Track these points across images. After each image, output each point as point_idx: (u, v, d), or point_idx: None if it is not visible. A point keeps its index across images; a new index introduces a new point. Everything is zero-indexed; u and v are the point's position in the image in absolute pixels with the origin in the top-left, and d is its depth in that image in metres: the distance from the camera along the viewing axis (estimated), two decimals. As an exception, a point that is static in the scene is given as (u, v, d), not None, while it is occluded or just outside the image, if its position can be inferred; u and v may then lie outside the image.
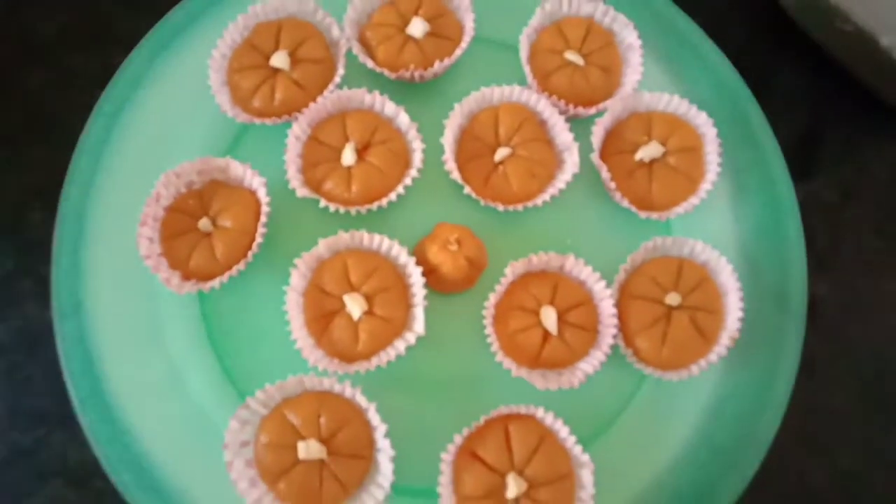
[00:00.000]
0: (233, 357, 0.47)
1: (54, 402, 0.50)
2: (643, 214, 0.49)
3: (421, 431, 0.45)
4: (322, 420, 0.42)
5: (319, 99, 0.49)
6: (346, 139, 0.49)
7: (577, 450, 0.43)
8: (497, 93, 0.51)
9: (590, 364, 0.45)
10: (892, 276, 0.58)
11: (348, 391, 0.44)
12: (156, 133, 0.51)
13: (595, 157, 0.49)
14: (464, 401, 0.46)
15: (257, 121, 0.50)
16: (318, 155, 0.49)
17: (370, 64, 0.51)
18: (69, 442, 0.49)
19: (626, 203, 0.49)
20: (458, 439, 0.43)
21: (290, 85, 0.50)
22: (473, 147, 0.50)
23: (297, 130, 0.49)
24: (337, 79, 0.50)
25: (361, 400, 0.43)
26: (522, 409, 0.44)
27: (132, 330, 0.47)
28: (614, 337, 0.46)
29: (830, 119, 0.62)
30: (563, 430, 0.43)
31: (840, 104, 0.62)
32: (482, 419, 0.43)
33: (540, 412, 0.44)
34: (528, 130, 0.50)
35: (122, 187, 0.50)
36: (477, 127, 0.51)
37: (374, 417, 0.43)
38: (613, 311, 0.46)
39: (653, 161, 0.50)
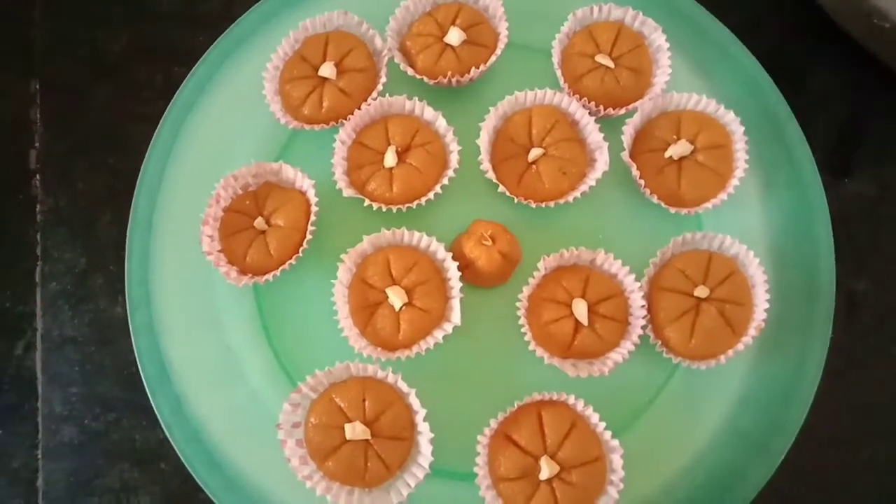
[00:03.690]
0: (285, 345, 0.51)
1: (123, 390, 0.54)
2: (672, 210, 0.51)
3: (458, 416, 0.47)
4: (367, 404, 0.45)
5: (363, 105, 0.53)
6: (388, 142, 0.52)
7: (607, 435, 0.45)
8: (530, 96, 0.53)
9: (620, 354, 0.47)
10: (931, 273, 0.58)
11: (391, 377, 0.46)
12: (216, 140, 0.56)
13: (625, 155, 0.51)
14: (498, 387, 0.48)
15: (307, 127, 0.53)
16: (363, 157, 0.53)
17: (410, 72, 0.54)
18: (136, 427, 0.53)
19: (655, 199, 0.51)
20: (493, 423, 0.45)
21: (337, 93, 0.53)
22: (507, 148, 0.53)
23: (343, 135, 0.53)
24: (380, 86, 0.54)
25: (403, 385, 0.46)
26: (555, 396, 0.46)
27: (195, 320, 0.51)
28: (644, 328, 0.48)
29: (869, 116, 0.62)
30: (593, 417, 0.45)
31: (879, 101, 0.61)
32: (516, 405, 0.46)
33: (571, 399, 0.46)
34: (559, 131, 0.52)
35: (186, 190, 0.54)
36: (511, 128, 0.53)
37: (414, 402, 0.46)
38: (643, 303, 0.48)
39: (682, 158, 0.52)
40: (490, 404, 0.46)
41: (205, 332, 0.51)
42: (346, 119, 0.53)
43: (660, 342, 0.48)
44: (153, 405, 0.49)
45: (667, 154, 0.51)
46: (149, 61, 0.61)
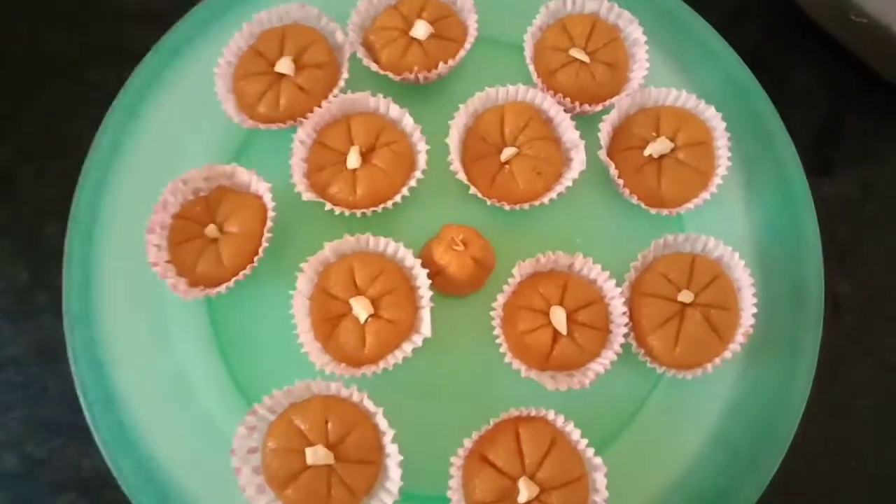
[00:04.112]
0: (240, 363, 0.47)
1: (69, 414, 0.50)
2: (653, 210, 0.48)
3: (429, 436, 0.44)
4: (329, 425, 0.42)
5: (324, 103, 0.49)
6: (351, 142, 0.49)
7: (589, 452, 0.42)
8: (502, 92, 0.51)
9: (601, 364, 0.44)
10: (916, 272, 0.56)
11: (356, 395, 0.43)
12: (164, 142, 0.52)
13: (602, 153, 0.49)
14: (473, 404, 0.45)
15: (263, 126, 0.50)
16: (324, 159, 0.49)
17: (374, 67, 0.51)
18: (83, 453, 0.49)
19: (635, 200, 0.48)
20: (467, 443, 0.42)
21: (295, 90, 0.50)
22: (479, 147, 0.50)
23: (302, 135, 0.49)
24: (341, 83, 0.50)
25: (369, 404, 0.43)
26: (533, 412, 0.43)
27: (141, 337, 0.47)
28: (626, 336, 0.45)
29: (849, 114, 0.60)
30: (574, 433, 0.42)
31: (858, 98, 0.60)
32: (492, 422, 0.42)
33: (551, 414, 0.43)
34: (533, 129, 0.50)
35: (132, 196, 0.50)
36: (482, 127, 0.50)
37: (381, 422, 0.43)
38: (624, 309, 0.45)
39: (662, 157, 0.49)
40: (464, 422, 0.43)
41: (152, 350, 0.47)
42: (305, 118, 0.49)
43: (643, 351, 0.45)
44: (93, 432, 0.45)
45: (646, 152, 0.49)
46: (100, 62, 0.58)
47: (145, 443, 0.45)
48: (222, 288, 0.46)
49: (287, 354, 0.45)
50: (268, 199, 0.48)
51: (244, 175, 0.49)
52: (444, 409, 0.46)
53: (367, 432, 0.42)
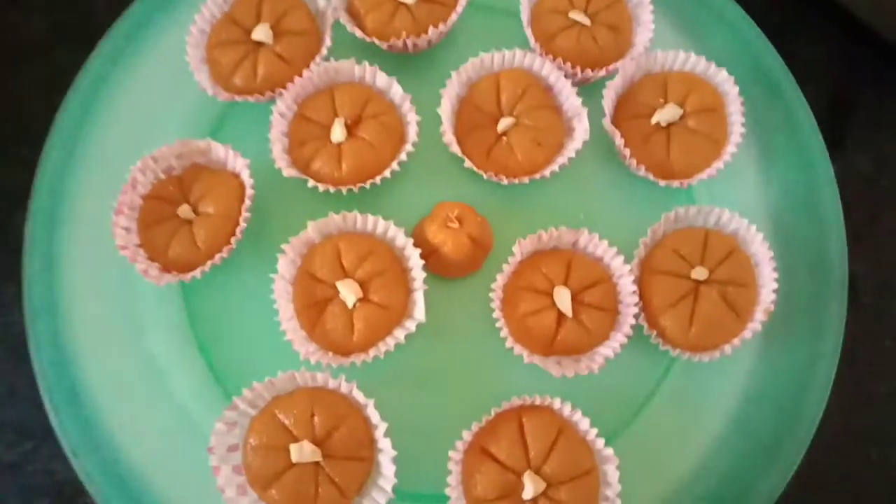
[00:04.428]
0: (218, 353, 0.44)
1: (40, 416, 0.45)
2: (662, 182, 0.45)
3: (425, 428, 0.41)
4: (316, 419, 0.39)
5: (305, 73, 0.46)
6: (335, 114, 0.46)
7: (599, 443, 0.39)
8: (497, 58, 0.47)
9: (610, 348, 0.41)
10: (936, 248, 0.53)
11: (344, 386, 0.40)
12: (133, 119, 0.48)
13: (607, 122, 0.45)
14: (472, 393, 0.42)
15: (239, 98, 0.46)
16: (306, 132, 0.46)
17: (359, 33, 0.48)
18: (56, 457, 0.46)
19: (643, 171, 0.45)
20: (467, 436, 0.39)
21: (274, 59, 0.46)
22: (474, 117, 0.46)
23: (282, 107, 0.46)
24: (324, 51, 0.47)
25: (359, 396, 0.39)
26: (537, 400, 0.39)
27: (109, 327, 0.44)
28: (636, 317, 0.42)
29: (860, 85, 0.57)
30: (583, 422, 0.39)
31: (869, 69, 0.57)
32: (493, 412, 0.39)
33: (556, 403, 0.39)
34: (532, 97, 0.46)
35: (98, 176, 0.47)
36: (477, 96, 0.47)
37: (373, 415, 0.39)
38: (634, 288, 0.42)
39: (670, 125, 0.46)
40: (462, 413, 0.40)
41: (122, 340, 0.44)
42: (284, 88, 0.46)
43: (655, 332, 0.42)
44: (56, 430, 0.41)
45: (653, 120, 0.46)
46: (69, 45, 0.54)
47: (115, 442, 0.41)
48: (197, 272, 0.42)
49: (269, 343, 0.42)
50: (246, 176, 0.44)
51: (220, 151, 0.45)
52: (440, 400, 0.42)
53: (357, 426, 0.39)
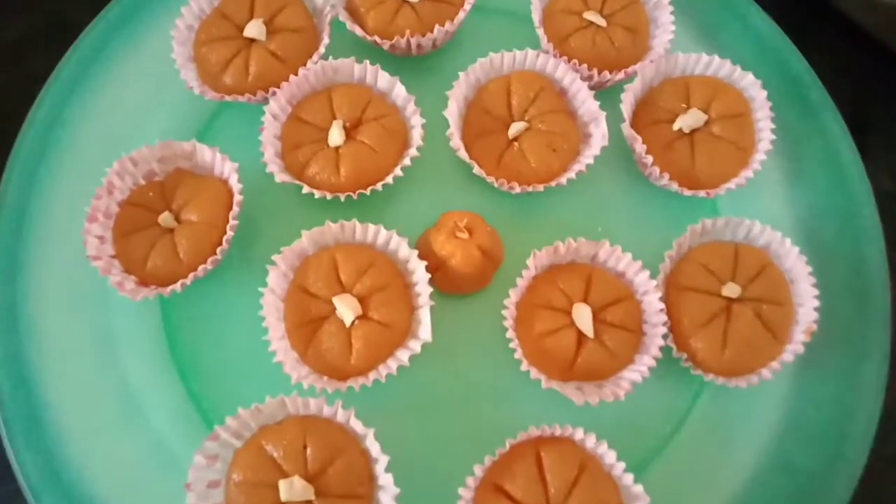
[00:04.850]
0: (199, 376, 0.39)
1: None
2: (687, 192, 0.41)
3: (432, 462, 0.37)
4: (308, 451, 0.35)
5: (301, 71, 0.42)
6: (334, 116, 0.42)
7: (627, 479, 0.35)
8: (508, 59, 0.44)
9: (637, 372, 0.37)
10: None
11: (341, 414, 0.36)
12: (112, 118, 0.45)
13: (627, 127, 0.42)
14: (483, 422, 0.38)
15: (229, 98, 0.43)
16: (301, 135, 0.42)
17: (359, 32, 0.44)
18: (13, 497, 0.40)
19: (665, 180, 0.42)
20: (479, 471, 0.35)
21: (267, 57, 0.43)
22: (482, 122, 0.43)
23: (276, 108, 0.42)
24: (321, 49, 0.44)
25: (357, 425, 0.35)
26: (557, 431, 0.35)
27: (79, 347, 0.40)
28: (664, 338, 0.38)
29: (874, 101, 0.55)
30: (608, 455, 0.35)
31: (883, 85, 0.55)
32: (508, 444, 0.35)
33: (579, 434, 0.35)
34: (545, 101, 0.43)
35: (74, 182, 0.43)
36: (486, 99, 0.43)
37: (372, 446, 0.35)
38: (661, 306, 0.38)
39: (694, 131, 0.43)
40: (474, 446, 0.36)
41: (91, 362, 0.40)
42: (278, 88, 0.42)
43: (685, 355, 0.38)
44: (14, 464, 0.37)
45: (675, 126, 0.43)
46: (48, 47, 0.50)
47: (81, 477, 0.37)
48: (178, 286, 0.38)
49: (256, 366, 0.38)
50: (234, 181, 0.40)
51: (206, 154, 0.41)
52: (448, 430, 0.38)
53: (355, 459, 0.35)
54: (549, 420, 0.36)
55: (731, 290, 0.39)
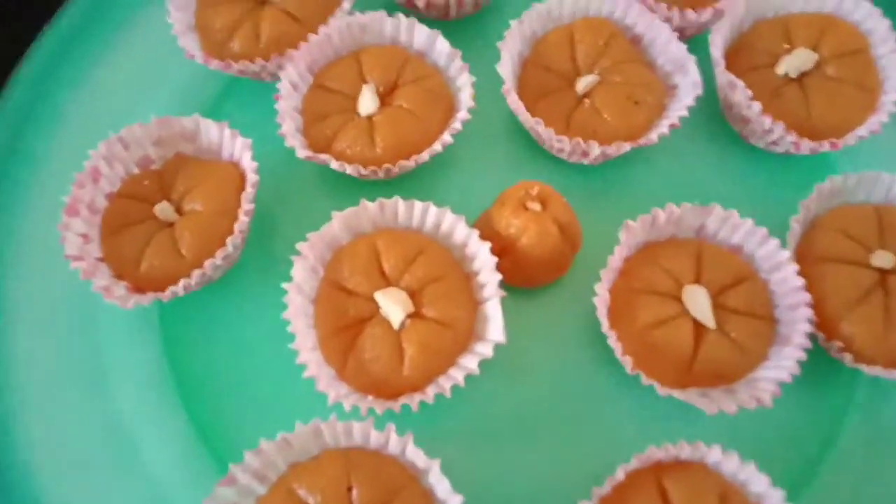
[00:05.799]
0: (207, 402, 0.32)
1: None
2: (804, 147, 0.34)
3: (517, 496, 0.29)
4: (355, 495, 0.27)
5: (322, 30, 0.36)
6: (364, 82, 0.35)
7: (784, 512, 0.26)
8: (568, 6, 0.37)
9: (781, 369, 0.29)
10: None
11: (394, 443, 0.28)
12: (103, 98, 0.39)
13: (723, 72, 0.34)
14: (582, 445, 0.30)
15: (237, 66, 0.36)
16: (326, 105, 0.35)
17: (389, -15, 0.38)
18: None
19: (778, 132, 0.34)
20: (584, 509, 0.26)
21: (281, 17, 0.37)
22: (542, 80, 0.36)
23: (294, 75, 0.35)
24: (345, 4, 0.36)
25: (417, 456, 0.28)
26: (685, 451, 0.26)
27: (62, 371, 0.32)
28: (810, 322, 0.29)
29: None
30: (756, 481, 0.26)
31: None
32: (620, 471, 0.26)
33: (714, 454, 0.27)
34: (617, 49, 0.36)
35: (55, 171, 0.36)
36: (545, 53, 0.37)
37: (438, 484, 0.27)
38: (799, 282, 0.29)
39: (803, 75, 0.35)
40: (572, 475, 0.28)
41: (77, 391, 0.33)
42: (296, 49, 0.35)
43: (836, 344, 0.29)
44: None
45: (780, 70, 0.35)
46: (26, 14, 0.43)
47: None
48: (179, 287, 0.30)
49: (280, 385, 0.31)
50: (247, 159, 0.33)
51: (212, 131, 0.34)
52: (537, 455, 0.30)
53: (416, 502, 0.27)
54: (664, 437, 0.27)
55: (883, 259, 0.31)
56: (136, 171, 0.34)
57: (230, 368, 0.32)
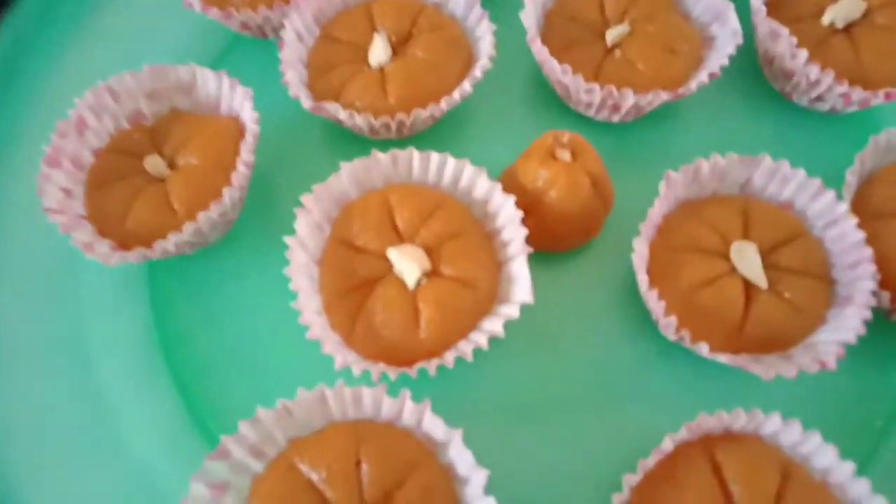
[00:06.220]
0: (199, 374, 0.29)
1: None
2: (857, 95, 0.31)
3: (552, 474, 0.26)
4: (364, 471, 0.24)
5: (330, -26, 0.33)
6: (374, 30, 0.32)
7: (858, 487, 0.22)
8: (595, -47, 0.34)
9: (845, 330, 0.25)
10: None
11: (409, 412, 0.25)
12: (95, 53, 0.36)
13: (765, 20, 0.32)
14: (621, 416, 0.27)
15: (237, 16, 0.33)
16: (334, 55, 0.33)
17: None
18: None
19: (827, 82, 0.31)
20: (630, 481, 0.23)
21: (286, -36, 0.34)
22: (568, 32, 0.34)
23: (299, 25, 0.33)
24: (354, -48, 0.34)
25: (435, 426, 0.24)
26: (741, 420, 0.23)
27: (36, 341, 0.29)
28: (874, 279, 0.26)
29: None
30: (821, 455, 0.23)
31: None
32: (668, 441, 0.23)
33: (773, 422, 0.23)
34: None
35: (41, 129, 0.33)
36: (570, 3, 0.35)
37: (460, 458, 0.24)
38: (860, 236, 0.27)
39: (850, 26, 0.32)
40: (610, 449, 0.26)
41: (56, 363, 0.29)
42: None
43: (901, 306, 0.26)
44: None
45: (825, 19, 0.33)
46: None
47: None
48: (169, 244, 0.27)
49: (281, 350, 0.28)
50: (248, 110, 0.30)
51: (210, 82, 0.32)
52: (572, 432, 0.27)
53: (434, 480, 0.24)
54: (716, 403, 0.24)
55: (950, 216, 0.27)
56: (126, 126, 0.32)
57: (223, 332, 0.29)
